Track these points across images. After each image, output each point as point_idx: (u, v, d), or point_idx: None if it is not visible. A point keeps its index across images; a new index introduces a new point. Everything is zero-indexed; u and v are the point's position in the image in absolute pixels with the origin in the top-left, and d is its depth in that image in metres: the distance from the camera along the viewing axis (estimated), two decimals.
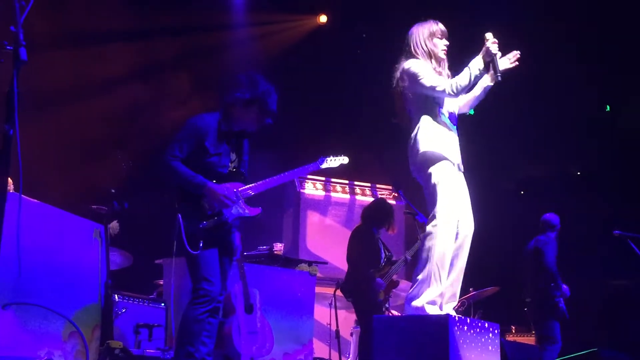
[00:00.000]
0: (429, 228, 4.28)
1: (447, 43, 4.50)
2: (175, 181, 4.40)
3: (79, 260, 4.88)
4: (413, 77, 4.35)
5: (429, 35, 4.48)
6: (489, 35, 4.34)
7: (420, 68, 4.35)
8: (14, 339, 4.21)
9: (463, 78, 4.29)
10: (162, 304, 5.88)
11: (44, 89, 7.67)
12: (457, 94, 4.31)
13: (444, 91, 4.29)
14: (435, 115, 4.37)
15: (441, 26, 4.51)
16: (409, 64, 4.40)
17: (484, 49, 4.31)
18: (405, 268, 7.13)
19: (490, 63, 4.33)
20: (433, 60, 4.44)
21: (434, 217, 4.26)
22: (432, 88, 4.31)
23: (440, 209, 4.23)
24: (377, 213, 6.81)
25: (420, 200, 4.64)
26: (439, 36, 4.49)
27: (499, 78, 4.36)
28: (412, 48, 4.48)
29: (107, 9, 8.50)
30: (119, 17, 8.67)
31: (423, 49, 4.46)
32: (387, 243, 6.99)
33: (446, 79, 4.37)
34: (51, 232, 4.65)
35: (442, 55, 4.48)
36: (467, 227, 4.39)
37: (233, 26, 10.23)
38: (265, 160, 9.37)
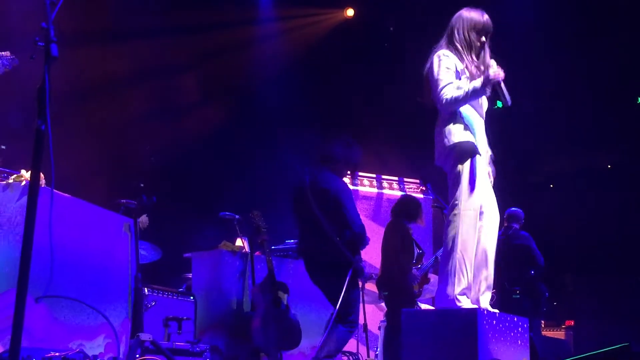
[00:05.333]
0: (450, 217, 4.28)
1: (484, 40, 4.39)
2: (361, 240, 5.27)
3: (109, 253, 4.93)
4: (432, 73, 4.33)
5: (472, 26, 4.39)
6: (492, 62, 4.27)
7: (443, 63, 4.30)
8: (46, 332, 4.27)
9: (459, 93, 4.23)
10: (191, 297, 5.92)
11: (74, 84, 7.76)
12: (445, 106, 4.25)
13: (440, 99, 4.24)
14: (466, 107, 4.33)
15: (486, 19, 4.40)
16: (437, 57, 4.34)
17: (487, 76, 4.19)
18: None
19: (494, 87, 4.23)
20: (467, 51, 4.36)
21: (454, 205, 4.25)
22: (436, 89, 4.28)
23: (461, 197, 4.23)
24: (408, 207, 6.83)
25: (447, 192, 4.63)
26: (479, 30, 4.39)
27: (509, 103, 4.27)
28: (453, 33, 4.41)
29: (133, 6, 8.57)
30: (146, 14, 8.74)
31: (463, 35, 4.38)
32: (415, 237, 6.99)
33: (452, 86, 4.27)
34: (82, 226, 4.70)
35: (479, 46, 4.40)
36: (492, 218, 4.38)
37: (260, 21, 10.27)
38: (293, 155, 9.41)
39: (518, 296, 7.81)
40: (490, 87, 4.21)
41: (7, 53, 5.08)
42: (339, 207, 5.21)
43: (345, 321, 5.19)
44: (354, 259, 5.17)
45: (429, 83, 4.40)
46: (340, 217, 5.21)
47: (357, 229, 5.20)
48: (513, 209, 8.19)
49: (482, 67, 4.35)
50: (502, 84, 4.23)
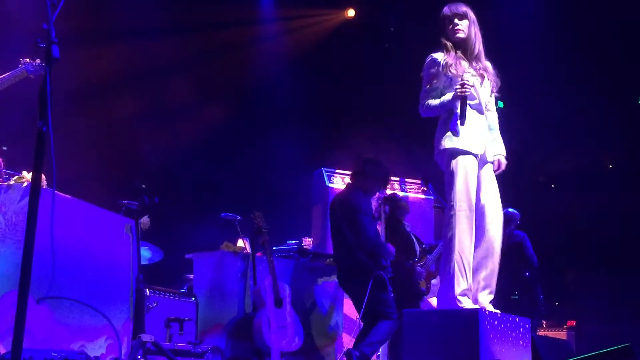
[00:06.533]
0: (447, 219, 4.30)
1: (458, 22, 4.44)
2: (380, 251, 5.66)
3: (111, 255, 4.93)
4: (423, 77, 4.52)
5: (443, 25, 4.50)
6: (465, 76, 4.32)
7: (427, 73, 4.46)
8: (48, 333, 4.27)
9: (434, 103, 4.39)
10: (193, 298, 5.93)
11: (75, 85, 7.76)
12: (421, 111, 4.46)
13: (421, 103, 4.45)
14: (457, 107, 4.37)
15: (446, 10, 4.49)
16: (428, 60, 4.48)
17: (454, 92, 4.30)
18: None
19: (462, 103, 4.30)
20: (452, 48, 4.43)
21: (450, 207, 4.28)
22: (420, 97, 4.47)
23: (455, 198, 4.26)
24: (396, 204, 6.84)
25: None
26: (447, 22, 4.48)
27: (462, 123, 4.29)
28: (440, 35, 4.52)
29: (134, 6, 8.57)
30: (147, 14, 8.74)
31: (445, 35, 4.49)
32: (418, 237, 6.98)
33: (432, 94, 4.42)
34: (83, 228, 4.70)
35: (458, 36, 4.43)
36: (495, 219, 4.38)
37: (261, 22, 10.27)
38: (294, 155, 9.42)
39: (517, 297, 7.82)
40: (459, 101, 4.29)
41: (38, 61, 5.12)
42: (355, 220, 5.66)
43: (389, 318, 5.58)
44: (374, 267, 5.58)
45: None
46: (356, 229, 5.67)
47: (366, 243, 5.61)
48: (510, 210, 8.16)
49: (459, 69, 4.37)
50: (464, 103, 4.27)
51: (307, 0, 10.33)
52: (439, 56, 4.43)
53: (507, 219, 8.07)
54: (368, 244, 5.60)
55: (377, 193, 6.14)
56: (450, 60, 4.37)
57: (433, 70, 4.43)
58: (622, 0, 9.39)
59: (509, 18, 8.65)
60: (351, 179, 6.12)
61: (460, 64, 4.37)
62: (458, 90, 4.25)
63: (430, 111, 4.44)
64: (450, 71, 4.34)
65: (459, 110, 4.28)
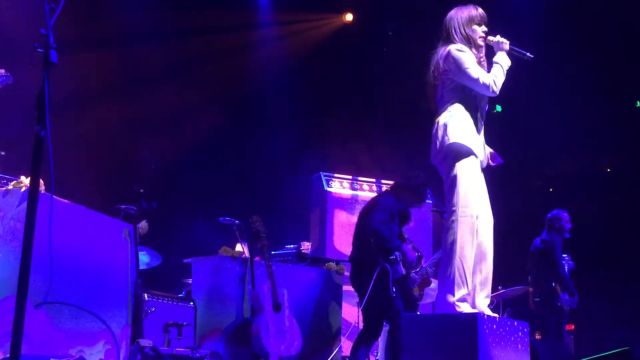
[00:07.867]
0: (448, 223, 4.28)
1: (486, 29, 4.44)
2: (381, 242, 5.74)
3: (109, 259, 4.92)
4: (458, 64, 4.30)
5: (468, 21, 4.41)
6: (490, 37, 4.42)
7: (466, 56, 4.30)
8: (46, 338, 4.26)
9: (499, 74, 4.31)
10: (191, 303, 5.92)
11: (73, 90, 7.77)
12: (497, 91, 4.32)
13: (487, 87, 4.27)
14: (469, 107, 4.33)
15: (481, 11, 4.46)
16: (455, 48, 4.33)
17: (498, 47, 4.39)
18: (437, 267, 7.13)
19: (511, 52, 4.41)
20: (473, 48, 4.40)
21: (452, 212, 4.25)
22: (476, 81, 4.27)
23: (458, 203, 4.23)
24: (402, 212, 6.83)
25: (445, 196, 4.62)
26: (478, 22, 4.43)
27: (532, 55, 4.42)
28: (450, 33, 4.42)
29: (131, 12, 8.57)
30: (144, 19, 8.75)
31: (461, 34, 4.40)
32: (415, 241, 6.97)
33: (487, 73, 4.34)
34: (82, 232, 4.69)
35: (480, 42, 4.43)
36: (487, 224, 4.38)
37: (259, 26, 10.29)
38: (293, 160, 9.42)
39: (538, 299, 7.84)
40: (509, 51, 4.41)
41: (2, 71, 5.07)
42: (370, 210, 6.04)
43: (396, 325, 5.68)
44: (382, 260, 5.71)
45: (438, 82, 4.42)
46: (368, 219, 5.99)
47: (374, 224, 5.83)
48: (559, 211, 8.01)
49: (482, 59, 4.40)
50: (511, 45, 4.44)
51: (305, 4, 10.34)
52: (461, 46, 4.37)
53: (546, 221, 7.95)
54: (369, 228, 5.82)
55: (414, 205, 6.31)
56: (473, 55, 4.38)
57: (464, 51, 4.34)
58: (622, 0, 9.40)
59: (509, 18, 8.66)
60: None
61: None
62: (500, 40, 4.39)
63: (499, 82, 4.34)
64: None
65: (516, 54, 4.42)
